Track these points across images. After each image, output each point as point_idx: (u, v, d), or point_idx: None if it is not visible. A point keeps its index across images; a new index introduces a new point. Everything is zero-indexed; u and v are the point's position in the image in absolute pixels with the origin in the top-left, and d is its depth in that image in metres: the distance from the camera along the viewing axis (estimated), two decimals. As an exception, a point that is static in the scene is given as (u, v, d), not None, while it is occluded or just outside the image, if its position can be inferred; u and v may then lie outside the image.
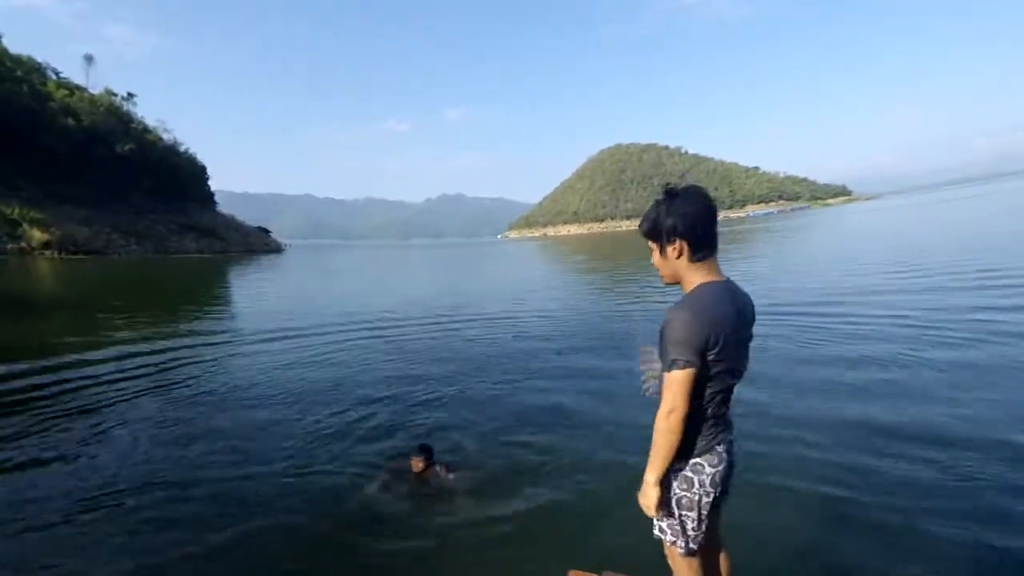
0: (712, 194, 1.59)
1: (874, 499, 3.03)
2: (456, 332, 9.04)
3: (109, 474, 3.84)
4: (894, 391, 4.66)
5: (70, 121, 55.53)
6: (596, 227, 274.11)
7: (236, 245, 66.78)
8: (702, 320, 1.45)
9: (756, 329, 1.65)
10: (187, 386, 6.07)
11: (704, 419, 1.57)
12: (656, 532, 1.72)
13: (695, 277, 1.57)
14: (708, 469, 1.59)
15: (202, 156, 79.90)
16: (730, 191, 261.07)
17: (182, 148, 75.60)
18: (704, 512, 1.62)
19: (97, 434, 4.61)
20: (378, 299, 15.10)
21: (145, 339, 8.82)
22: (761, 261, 19.15)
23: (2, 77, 50.87)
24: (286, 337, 8.93)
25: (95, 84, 72.74)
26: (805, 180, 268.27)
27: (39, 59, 62.62)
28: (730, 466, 1.65)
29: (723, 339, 1.46)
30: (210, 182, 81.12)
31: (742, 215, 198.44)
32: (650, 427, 1.54)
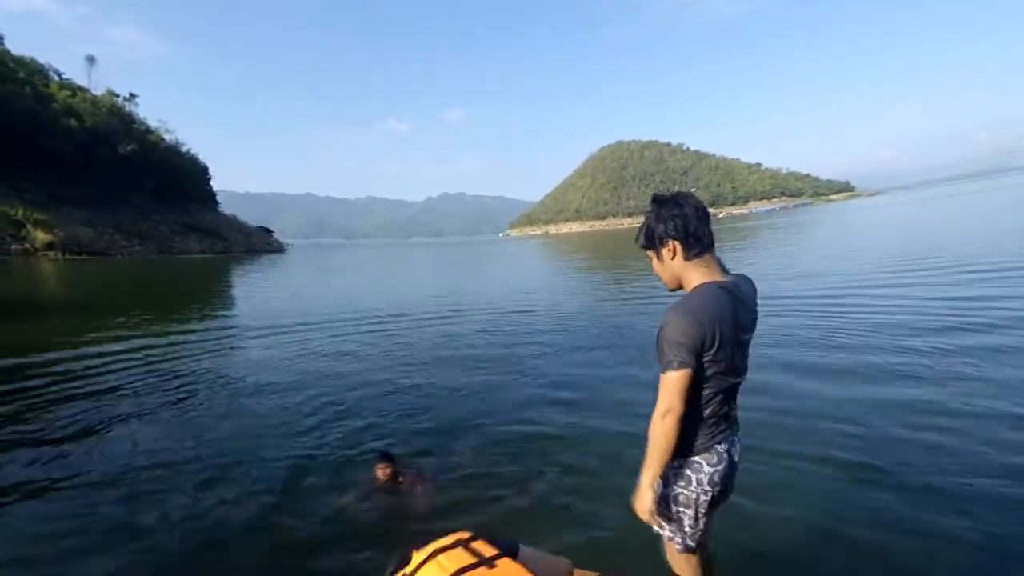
0: (714, 190, 1.59)
1: (901, 479, 3.09)
2: (455, 329, 9.06)
3: (100, 469, 3.83)
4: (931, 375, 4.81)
5: (72, 122, 55.72)
6: (598, 224, 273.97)
7: (239, 245, 66.96)
8: (699, 321, 1.44)
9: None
10: (187, 385, 6.07)
11: (703, 419, 1.57)
12: (655, 528, 1.72)
13: (694, 276, 1.57)
14: (707, 468, 1.59)
15: (203, 156, 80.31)
16: (732, 187, 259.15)
17: (184, 149, 75.90)
18: (702, 511, 1.62)
19: (92, 431, 4.60)
20: (378, 298, 15.12)
21: (144, 337, 8.86)
22: (772, 254, 19.05)
23: (4, 79, 51.00)
24: (284, 332, 9.09)
25: (97, 85, 73.05)
26: (807, 176, 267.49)
27: (42, 61, 63.01)
28: (732, 466, 1.64)
29: (720, 339, 1.45)
30: (212, 182, 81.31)
31: (745, 211, 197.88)
32: (647, 427, 1.54)
